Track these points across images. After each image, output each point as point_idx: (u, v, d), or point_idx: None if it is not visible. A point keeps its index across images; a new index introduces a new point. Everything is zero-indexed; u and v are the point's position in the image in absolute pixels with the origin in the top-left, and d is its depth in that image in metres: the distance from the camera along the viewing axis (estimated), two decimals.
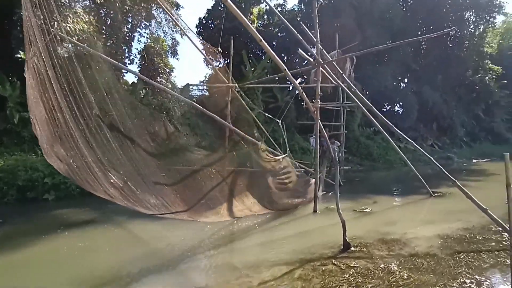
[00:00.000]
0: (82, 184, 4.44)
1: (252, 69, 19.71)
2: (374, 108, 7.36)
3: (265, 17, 26.60)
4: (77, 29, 8.81)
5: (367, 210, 7.62)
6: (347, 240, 4.84)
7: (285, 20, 7.37)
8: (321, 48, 7.00)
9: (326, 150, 10.97)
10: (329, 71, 7.33)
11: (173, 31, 21.60)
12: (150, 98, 14.96)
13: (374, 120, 7.24)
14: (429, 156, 6.88)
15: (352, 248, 4.82)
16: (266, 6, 25.21)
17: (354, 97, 7.20)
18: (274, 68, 18.21)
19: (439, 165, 6.75)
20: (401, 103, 25.35)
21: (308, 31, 7.61)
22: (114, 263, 4.43)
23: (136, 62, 18.71)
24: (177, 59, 20.07)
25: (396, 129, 6.97)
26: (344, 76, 9.73)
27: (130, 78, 19.79)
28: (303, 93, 6.59)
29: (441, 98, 25.96)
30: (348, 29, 19.57)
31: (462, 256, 4.49)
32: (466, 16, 25.79)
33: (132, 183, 5.22)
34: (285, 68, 5.49)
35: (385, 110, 26.58)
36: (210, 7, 25.04)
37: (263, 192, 6.99)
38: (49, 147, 4.41)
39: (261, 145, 7.20)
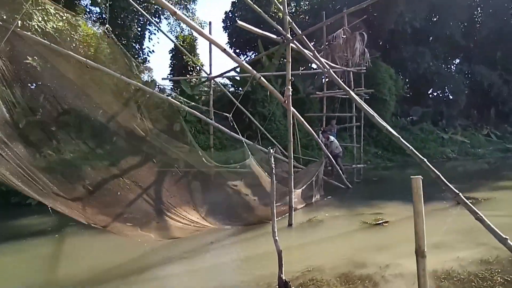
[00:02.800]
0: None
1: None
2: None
3: (292, 4, 24.97)
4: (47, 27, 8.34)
5: (381, 222, 5.91)
6: (284, 279, 3.43)
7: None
8: (290, 20, 5.48)
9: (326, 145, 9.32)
10: (301, 48, 5.74)
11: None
12: None
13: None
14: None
15: None
16: None
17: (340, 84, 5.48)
18: (297, 58, 16.60)
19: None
20: (447, 87, 21.79)
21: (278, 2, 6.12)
22: None
23: (149, 61, 18.56)
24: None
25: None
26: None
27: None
28: (261, 78, 5.20)
29: (501, 79, 21.80)
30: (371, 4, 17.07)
31: None
32: None
33: None
34: None
35: (430, 95, 23.22)
36: (234, 0, 24.22)
37: (217, 203, 5.78)
38: None
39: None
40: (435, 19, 21.06)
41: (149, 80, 17.60)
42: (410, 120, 18.52)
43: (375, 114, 4.34)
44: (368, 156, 14.94)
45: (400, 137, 4.25)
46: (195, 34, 20.72)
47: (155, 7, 16.86)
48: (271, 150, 3.76)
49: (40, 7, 8.43)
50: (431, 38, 21.12)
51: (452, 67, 23.87)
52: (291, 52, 5.58)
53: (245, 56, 23.95)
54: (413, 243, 2.98)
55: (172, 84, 18.25)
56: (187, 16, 20.94)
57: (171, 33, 22.48)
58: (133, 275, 4.03)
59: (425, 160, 4.04)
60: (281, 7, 5.46)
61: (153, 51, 25.74)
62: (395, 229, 5.75)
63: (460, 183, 7.44)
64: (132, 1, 12.11)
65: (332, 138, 9.80)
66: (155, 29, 17.30)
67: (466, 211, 6.43)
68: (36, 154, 7.21)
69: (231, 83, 18.76)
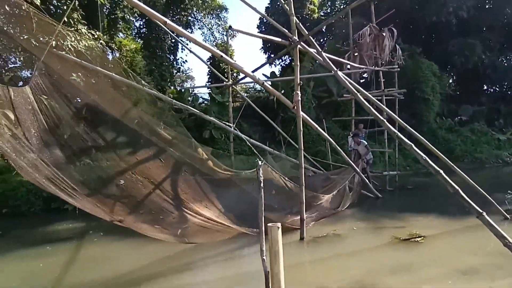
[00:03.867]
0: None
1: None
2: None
3: (328, 4, 24.33)
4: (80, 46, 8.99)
5: (418, 239, 5.29)
6: None
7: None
8: (297, 21, 5.18)
9: (356, 151, 8.72)
10: (308, 49, 5.35)
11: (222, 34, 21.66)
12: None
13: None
14: None
15: None
16: None
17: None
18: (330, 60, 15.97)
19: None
20: (506, 81, 19.35)
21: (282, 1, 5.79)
22: None
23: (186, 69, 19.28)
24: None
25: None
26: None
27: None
28: (264, 84, 4.95)
29: None
30: None
31: None
32: None
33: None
34: None
35: (485, 92, 20.84)
36: (267, 5, 24.30)
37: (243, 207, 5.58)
38: None
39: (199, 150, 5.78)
40: (487, 6, 18.93)
41: (183, 90, 18.27)
42: (459, 120, 16.73)
43: (384, 120, 3.87)
44: (408, 161, 13.76)
45: (412, 144, 3.73)
46: (230, 41, 21.22)
47: (186, 18, 17.44)
48: (259, 163, 3.51)
49: (73, 28, 9.11)
50: (484, 28, 18.99)
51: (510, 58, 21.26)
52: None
53: (280, 60, 23.86)
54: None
55: (210, 91, 18.65)
56: (218, 25, 21.47)
57: (205, 41, 23.19)
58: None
59: (441, 171, 3.47)
60: (287, 8, 5.18)
61: (186, 61, 26.69)
62: (426, 247, 5.09)
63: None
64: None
65: (363, 142, 9.17)
66: (187, 40, 17.84)
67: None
68: (76, 162, 7.77)
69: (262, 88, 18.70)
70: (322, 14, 23.51)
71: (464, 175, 5.84)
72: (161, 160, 5.31)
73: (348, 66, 9.59)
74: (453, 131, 16.13)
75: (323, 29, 22.90)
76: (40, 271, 4.78)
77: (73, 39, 9.28)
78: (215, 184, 5.76)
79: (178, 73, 20.75)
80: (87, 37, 9.80)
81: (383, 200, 8.29)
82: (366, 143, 9.14)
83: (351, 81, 5.77)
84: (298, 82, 5.31)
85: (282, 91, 16.57)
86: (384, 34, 9.10)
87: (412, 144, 3.75)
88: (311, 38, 5.06)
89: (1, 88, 4.70)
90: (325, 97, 17.27)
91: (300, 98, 5.30)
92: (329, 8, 24.30)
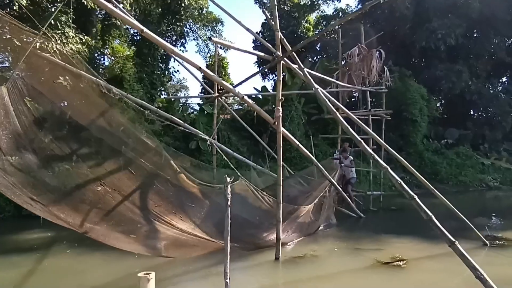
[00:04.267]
0: None
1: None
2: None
3: (324, 23, 24.84)
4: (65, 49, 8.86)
5: (400, 262, 5.08)
6: None
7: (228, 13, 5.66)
8: (282, 37, 5.18)
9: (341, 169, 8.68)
10: (291, 65, 5.35)
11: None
12: None
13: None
14: None
15: None
16: (323, 12, 23.59)
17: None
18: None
19: None
20: (491, 108, 19.81)
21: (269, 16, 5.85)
22: None
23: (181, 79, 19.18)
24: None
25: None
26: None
27: None
28: (244, 98, 4.89)
29: None
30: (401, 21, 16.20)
31: None
32: None
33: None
34: None
35: (471, 117, 21.27)
36: (264, 20, 24.70)
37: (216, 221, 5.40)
38: None
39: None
40: (475, 35, 19.56)
41: (173, 100, 18.17)
42: (445, 143, 16.94)
43: (361, 140, 3.80)
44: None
45: (388, 167, 3.66)
46: (222, 53, 21.40)
47: (181, 28, 17.48)
48: (227, 179, 3.38)
49: (60, 31, 8.98)
50: (471, 55, 19.56)
51: (498, 86, 21.83)
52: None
53: (274, 75, 24.09)
54: None
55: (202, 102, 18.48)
56: (214, 36, 21.66)
57: (199, 53, 23.34)
58: None
59: (415, 197, 3.39)
60: (273, 23, 5.18)
61: (177, 70, 26.65)
62: (409, 271, 4.92)
63: (504, 217, 6.31)
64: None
65: (347, 161, 9.15)
66: (180, 49, 17.88)
67: (490, 257, 5.49)
68: (55, 168, 7.49)
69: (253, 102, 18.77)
70: (317, 32, 23.96)
71: (445, 199, 5.82)
72: (132, 171, 5.13)
73: (336, 85, 9.65)
74: (439, 153, 16.31)
75: (317, 48, 23.30)
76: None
77: (58, 41, 9.16)
78: (190, 197, 5.61)
79: (172, 82, 20.69)
80: (75, 41, 9.69)
81: (365, 220, 8.20)
82: (350, 161, 9.13)
83: (333, 99, 5.76)
84: (280, 97, 5.27)
85: (272, 106, 16.62)
86: (372, 54, 9.23)
87: (388, 167, 3.68)
88: (294, 54, 5.05)
89: None
90: (314, 114, 17.38)
91: (280, 114, 5.24)
92: (324, 27, 24.81)
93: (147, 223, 4.96)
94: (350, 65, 9.54)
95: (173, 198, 5.34)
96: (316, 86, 4.80)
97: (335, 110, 4.60)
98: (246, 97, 5.07)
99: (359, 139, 3.91)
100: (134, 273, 4.53)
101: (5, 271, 4.89)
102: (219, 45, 16.69)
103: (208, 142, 6.29)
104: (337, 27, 11.22)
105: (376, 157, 3.75)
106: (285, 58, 5.18)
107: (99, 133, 5.57)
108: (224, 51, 21.39)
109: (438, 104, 19.52)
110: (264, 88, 18.91)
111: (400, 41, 18.26)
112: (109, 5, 3.69)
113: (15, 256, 5.56)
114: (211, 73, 4.78)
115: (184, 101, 20.21)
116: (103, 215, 4.70)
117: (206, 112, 15.20)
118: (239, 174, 5.58)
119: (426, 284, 4.54)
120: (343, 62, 10.20)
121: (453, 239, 3.11)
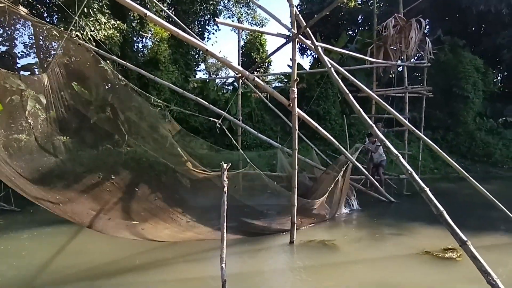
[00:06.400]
0: None
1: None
2: None
3: None
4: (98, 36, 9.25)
5: (451, 255, 4.62)
6: None
7: None
8: (297, 13, 4.83)
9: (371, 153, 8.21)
10: (307, 42, 4.94)
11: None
12: None
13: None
14: None
15: None
16: None
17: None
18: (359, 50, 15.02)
19: None
20: None
21: None
22: None
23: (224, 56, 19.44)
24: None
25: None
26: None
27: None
28: (255, 79, 4.69)
29: None
30: None
31: None
32: None
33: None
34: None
35: None
36: None
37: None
38: None
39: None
40: None
41: (207, 80, 18.42)
42: (503, 121, 15.04)
43: (373, 124, 3.47)
44: (437, 163, 12.72)
45: (399, 155, 3.31)
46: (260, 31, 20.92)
47: (214, 6, 17.25)
48: (224, 166, 3.32)
49: (93, 17, 9.36)
50: None
51: None
52: None
53: (311, 51, 23.08)
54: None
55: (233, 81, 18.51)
56: (248, 14, 21.16)
57: (234, 31, 23.07)
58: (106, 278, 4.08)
59: (426, 189, 3.04)
60: None
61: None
62: (462, 265, 4.30)
63: None
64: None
65: (373, 146, 8.59)
66: (213, 29, 17.81)
67: None
68: (99, 146, 8.12)
69: (286, 79, 18.30)
70: (360, 2, 22.17)
71: (479, 186, 5.18)
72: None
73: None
74: (494, 133, 14.58)
75: (359, 20, 21.63)
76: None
77: (92, 29, 9.56)
78: (194, 186, 5.73)
79: (213, 61, 20.94)
80: (108, 26, 10.06)
81: (396, 205, 7.73)
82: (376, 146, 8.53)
83: (352, 79, 5.33)
84: (295, 78, 5.00)
85: (305, 85, 16.02)
86: (411, 25, 8.28)
87: (400, 155, 3.32)
88: (309, 30, 4.69)
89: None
90: (353, 91, 16.39)
91: (296, 96, 4.99)
92: None
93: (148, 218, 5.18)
94: (386, 38, 8.69)
95: (175, 189, 5.51)
96: (329, 65, 4.44)
97: (347, 92, 4.25)
98: (257, 79, 4.89)
99: (371, 123, 3.57)
100: (134, 254, 4.75)
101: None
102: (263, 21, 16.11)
103: (217, 125, 6.24)
104: None
105: (388, 143, 3.42)
106: (299, 36, 4.85)
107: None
108: (261, 28, 20.87)
109: (498, 78, 17.27)
110: (299, 66, 18.28)
111: (452, 7, 16.16)
112: None
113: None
114: (217, 55, 4.68)
115: (221, 81, 20.38)
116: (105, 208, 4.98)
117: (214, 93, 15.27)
118: (248, 160, 5.52)
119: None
120: (380, 35, 9.33)
121: (465, 239, 2.76)
